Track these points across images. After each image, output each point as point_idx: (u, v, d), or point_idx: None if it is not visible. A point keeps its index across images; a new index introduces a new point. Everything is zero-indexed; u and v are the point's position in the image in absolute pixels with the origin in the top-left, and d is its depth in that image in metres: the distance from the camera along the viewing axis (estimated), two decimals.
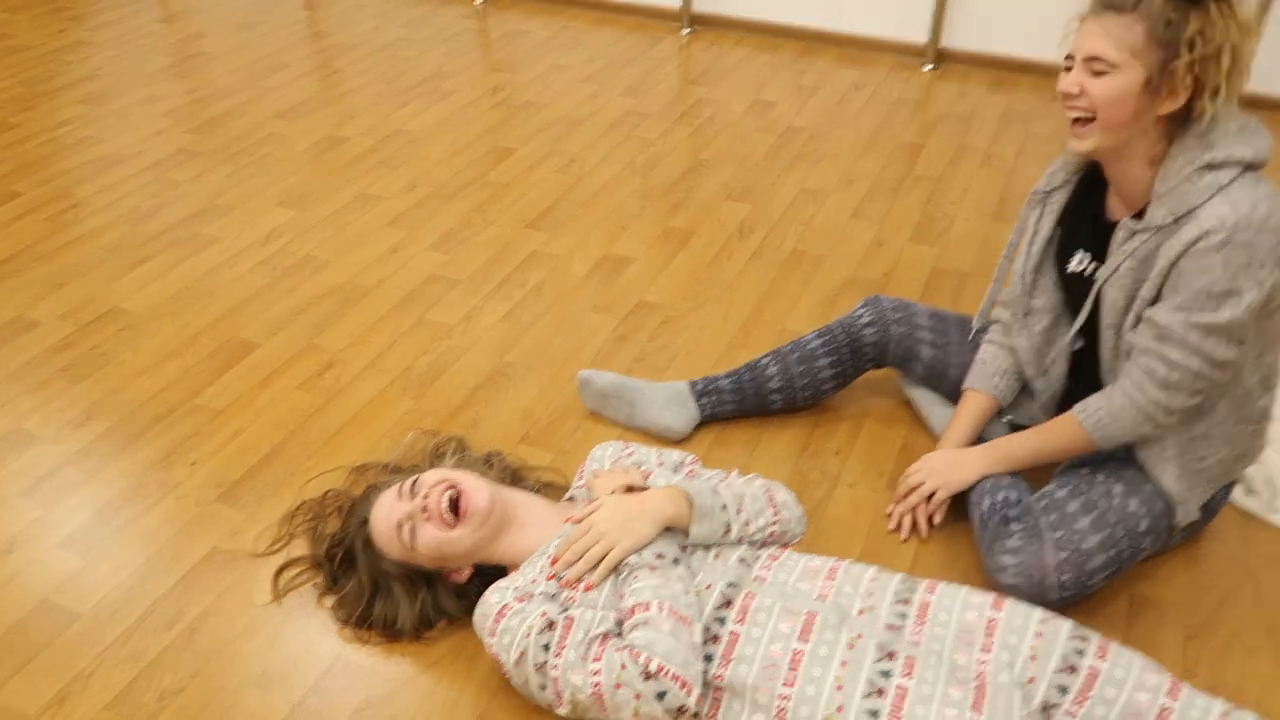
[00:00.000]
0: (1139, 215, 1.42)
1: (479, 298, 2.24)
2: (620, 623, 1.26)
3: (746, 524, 1.39)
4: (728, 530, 1.37)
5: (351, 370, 2.02)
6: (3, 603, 1.53)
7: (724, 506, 1.38)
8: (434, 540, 1.40)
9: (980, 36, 3.36)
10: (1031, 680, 1.20)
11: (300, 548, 1.61)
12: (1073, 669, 1.20)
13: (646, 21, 3.79)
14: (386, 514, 1.44)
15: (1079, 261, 1.54)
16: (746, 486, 1.45)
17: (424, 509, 1.40)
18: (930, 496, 1.62)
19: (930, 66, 3.40)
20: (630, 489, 1.41)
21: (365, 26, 3.78)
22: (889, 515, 1.67)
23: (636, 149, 2.88)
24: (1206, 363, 1.36)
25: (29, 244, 2.44)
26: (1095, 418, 1.47)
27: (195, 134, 2.98)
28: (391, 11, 3.92)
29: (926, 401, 1.85)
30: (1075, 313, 1.56)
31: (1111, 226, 1.45)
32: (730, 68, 3.41)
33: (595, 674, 1.20)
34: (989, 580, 1.49)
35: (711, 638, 1.25)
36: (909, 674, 1.18)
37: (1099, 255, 1.50)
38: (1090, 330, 1.53)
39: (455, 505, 1.41)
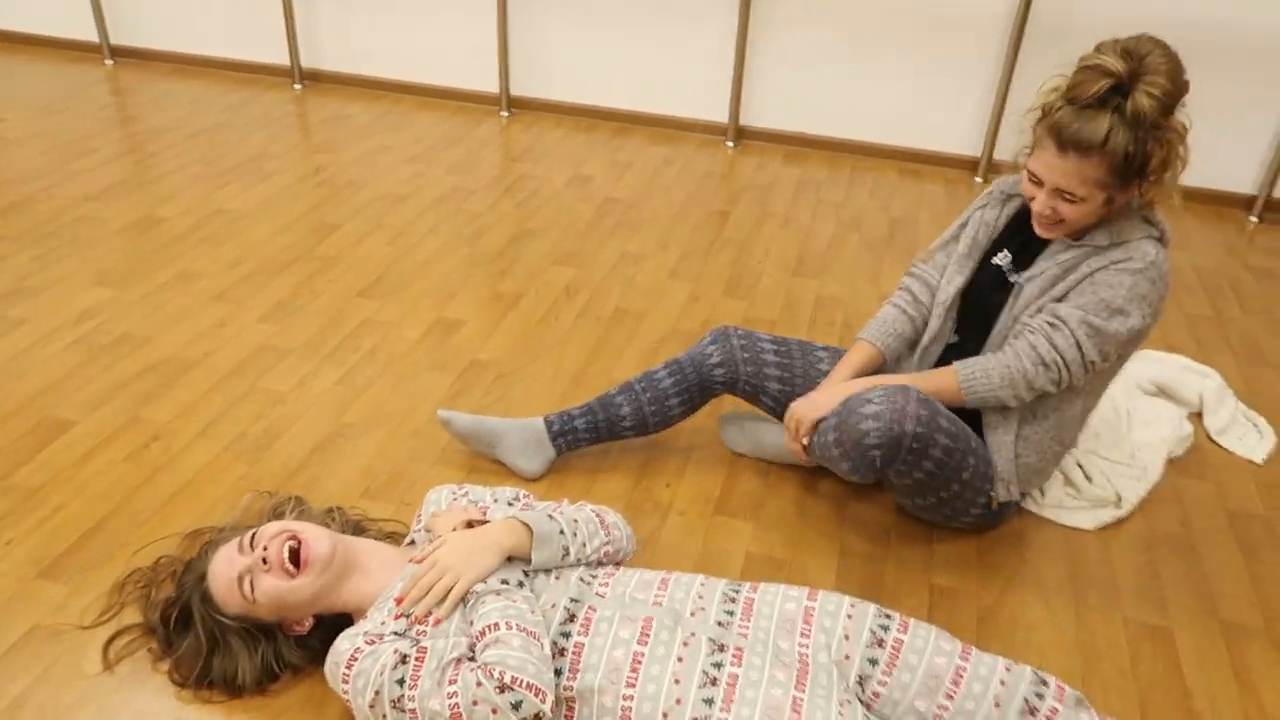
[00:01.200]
0: (1076, 236, 1.65)
1: (312, 363, 2.26)
2: (472, 648, 1.31)
3: (583, 546, 1.48)
4: (566, 553, 1.46)
5: (181, 440, 1.99)
6: None
7: (561, 531, 1.46)
8: (275, 591, 1.41)
9: (774, 115, 3.70)
10: (846, 657, 1.34)
11: (132, 615, 1.57)
12: (880, 642, 1.34)
13: (467, 105, 3.95)
14: (225, 568, 1.44)
15: (1003, 257, 1.73)
16: (578, 512, 1.54)
17: (264, 560, 1.41)
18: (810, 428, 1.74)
19: (732, 143, 3.72)
20: (470, 524, 1.48)
21: (179, 112, 3.75)
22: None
23: (464, 221, 2.99)
24: (1079, 357, 1.60)
25: None
26: (969, 370, 1.66)
27: None
28: (208, 98, 3.90)
29: (755, 433, 2.01)
30: (966, 302, 1.78)
31: (1037, 239, 1.68)
32: (550, 146, 3.60)
33: (452, 695, 1.24)
34: (845, 436, 1.62)
35: (559, 651, 1.32)
36: (738, 662, 1.29)
37: (1017, 257, 1.71)
38: (974, 324, 1.77)
39: (295, 556, 1.42)
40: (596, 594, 1.40)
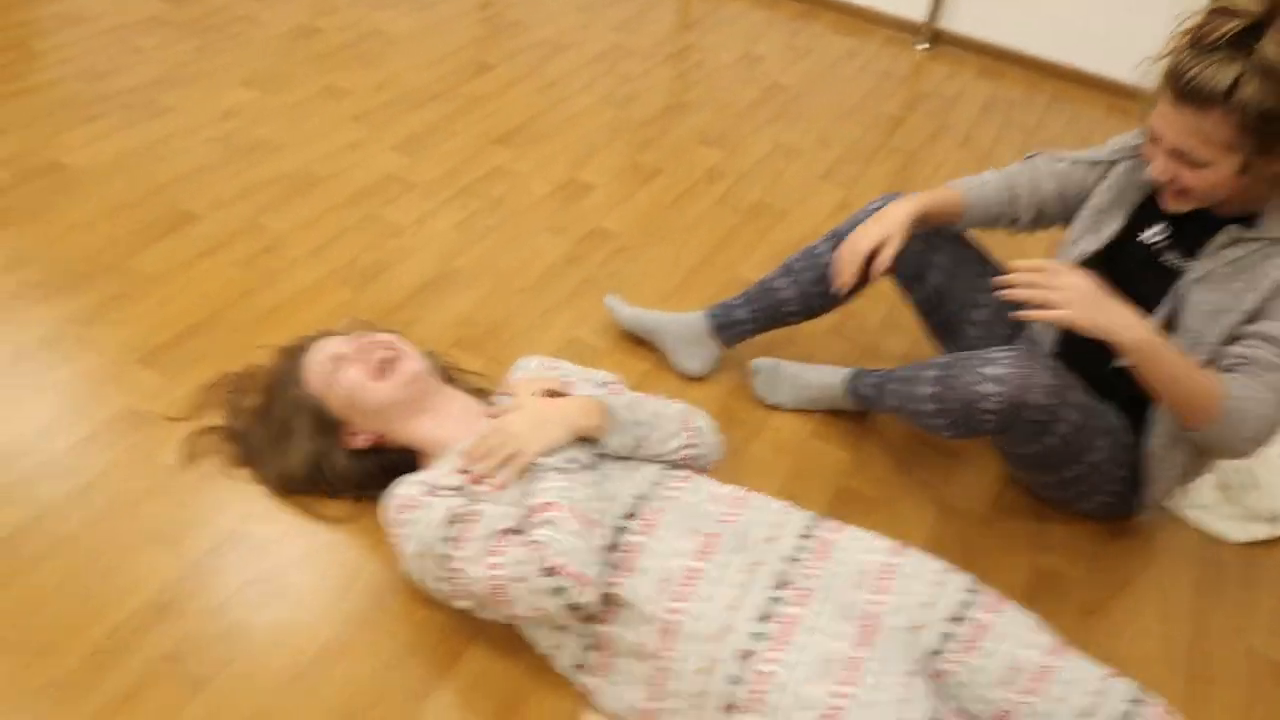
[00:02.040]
0: (1244, 221, 1.36)
1: (434, 203, 2.20)
2: (525, 520, 1.25)
3: (661, 442, 1.39)
4: (639, 444, 1.37)
5: (292, 254, 1.98)
6: None
7: (639, 422, 1.37)
8: (352, 384, 1.39)
9: (976, 23, 3.34)
10: (920, 627, 1.21)
11: (216, 417, 1.58)
12: (960, 619, 1.21)
13: None
14: (325, 349, 1.45)
15: (1157, 233, 1.45)
16: (665, 408, 1.44)
17: (359, 350, 1.41)
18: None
19: (924, 45, 3.39)
20: (551, 395, 1.40)
21: None
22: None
23: (617, 82, 2.84)
24: None
25: None
26: (1242, 394, 1.31)
27: (168, 3, 2.87)
28: None
29: (795, 377, 1.79)
30: (1113, 280, 1.49)
31: (1194, 219, 1.40)
32: (726, 19, 3.37)
33: (495, 567, 1.19)
34: (951, 395, 1.42)
35: (611, 546, 1.24)
36: (800, 604, 1.18)
37: (1179, 239, 1.42)
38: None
39: (387, 367, 1.41)
40: (666, 495, 1.30)
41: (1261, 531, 1.69)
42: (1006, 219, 1.62)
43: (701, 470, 1.47)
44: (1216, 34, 1.20)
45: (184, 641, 1.27)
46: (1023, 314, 1.29)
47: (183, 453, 1.52)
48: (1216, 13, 1.21)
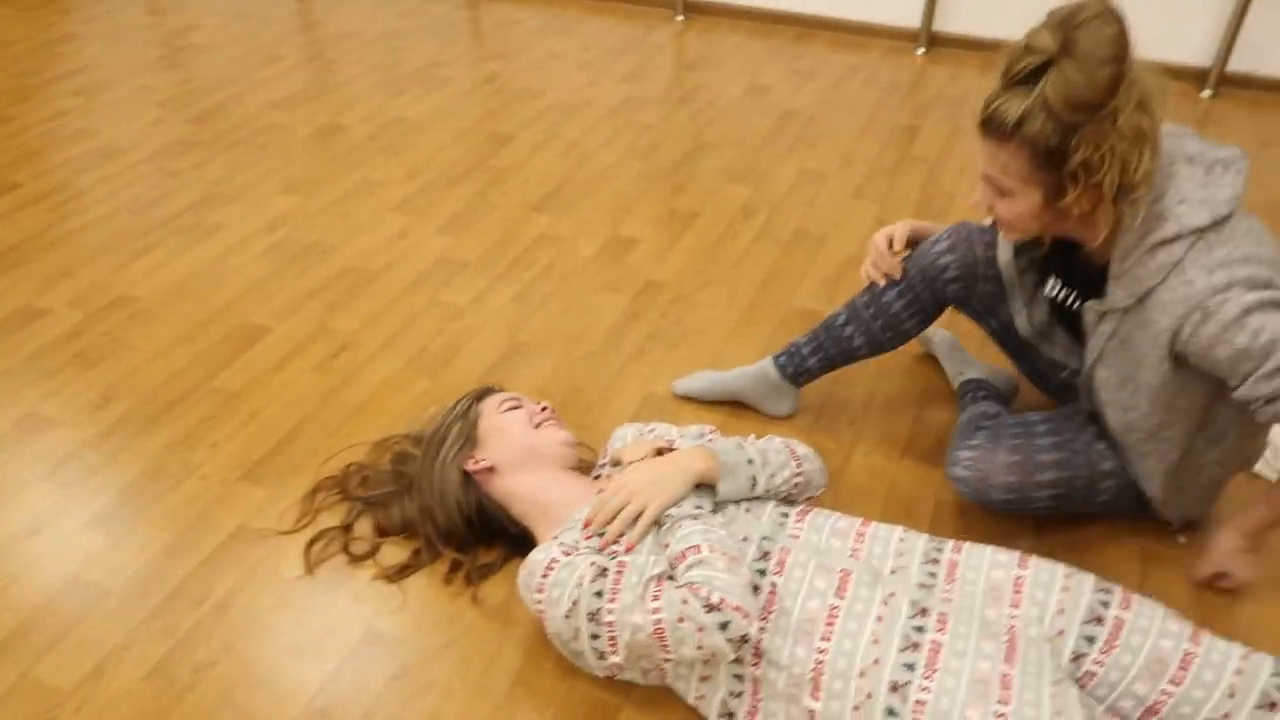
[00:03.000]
0: (1102, 287, 1.38)
1: (488, 279, 2.26)
2: (672, 568, 1.28)
3: (772, 476, 1.42)
4: (754, 482, 1.40)
5: (366, 351, 2.03)
6: (32, 582, 1.54)
7: (749, 461, 1.41)
8: (518, 420, 1.56)
9: (971, 20, 3.40)
10: (1061, 633, 1.23)
11: (327, 520, 1.63)
12: (1099, 620, 1.23)
13: (640, 9, 3.81)
14: (512, 393, 1.63)
15: (1052, 287, 1.53)
16: (768, 443, 1.48)
17: (541, 409, 1.59)
18: None
19: (923, 50, 3.44)
20: (659, 452, 1.44)
21: (358, 18, 3.78)
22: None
23: (637, 133, 2.90)
24: None
25: (33, 234, 2.43)
26: None
27: (193, 124, 2.97)
28: (384, 4, 3.91)
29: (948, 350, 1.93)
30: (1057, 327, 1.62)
31: (1086, 268, 1.43)
32: (726, 53, 3.44)
33: (655, 612, 1.21)
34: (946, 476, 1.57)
35: (753, 588, 1.27)
36: (942, 629, 1.21)
37: (1072, 284, 1.50)
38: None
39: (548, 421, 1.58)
40: (790, 535, 1.34)
41: None
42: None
43: (812, 498, 1.51)
44: (1016, 68, 1.21)
45: None
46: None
47: (304, 562, 1.57)
48: (1022, 48, 1.22)
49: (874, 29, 3.54)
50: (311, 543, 1.59)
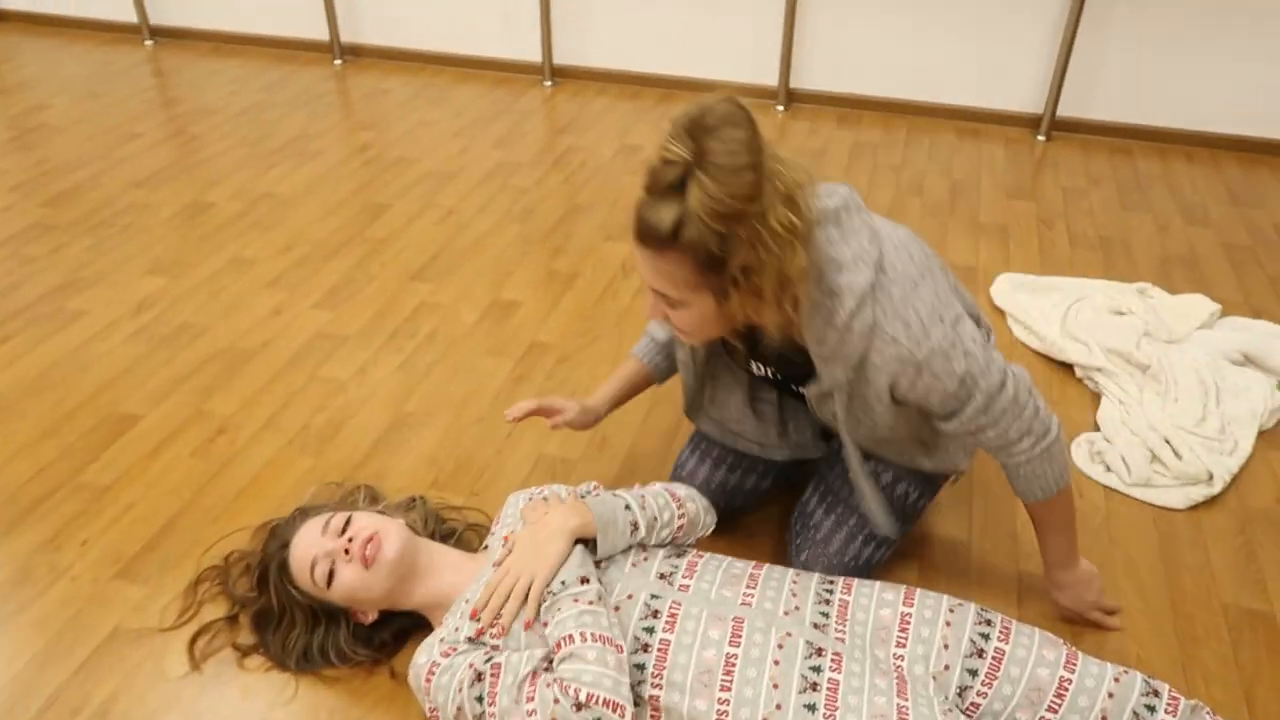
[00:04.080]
0: (811, 376, 1.40)
1: (370, 351, 2.23)
2: (549, 657, 1.28)
3: (653, 519, 1.43)
4: (635, 528, 1.40)
5: (245, 433, 1.98)
6: None
7: (626, 506, 1.41)
8: (351, 582, 1.41)
9: (825, 76, 3.59)
10: (946, 668, 1.28)
11: (210, 613, 1.57)
12: (980, 652, 1.29)
13: (509, 76, 3.88)
14: (306, 546, 1.45)
15: (759, 369, 1.54)
16: (646, 489, 1.50)
17: (344, 550, 1.41)
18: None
19: (782, 107, 3.61)
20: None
21: (220, 92, 3.71)
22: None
23: (512, 198, 2.94)
24: (1001, 395, 1.34)
25: None
26: (1035, 487, 1.43)
27: (48, 207, 2.85)
28: (248, 76, 3.86)
29: None
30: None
31: (777, 348, 1.42)
32: (595, 116, 3.53)
33: (531, 714, 1.21)
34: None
35: (642, 647, 1.28)
36: (837, 668, 1.24)
37: (771, 364, 1.50)
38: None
39: (373, 557, 1.41)
40: (680, 588, 1.35)
41: (1199, 494, 1.84)
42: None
43: (700, 539, 1.54)
44: (661, 181, 1.17)
45: None
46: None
47: (189, 658, 1.50)
48: (660, 162, 1.17)
49: (735, 88, 3.70)
50: (195, 637, 1.53)
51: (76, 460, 1.90)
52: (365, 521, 1.44)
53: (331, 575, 1.41)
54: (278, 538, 1.52)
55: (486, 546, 1.57)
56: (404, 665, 1.48)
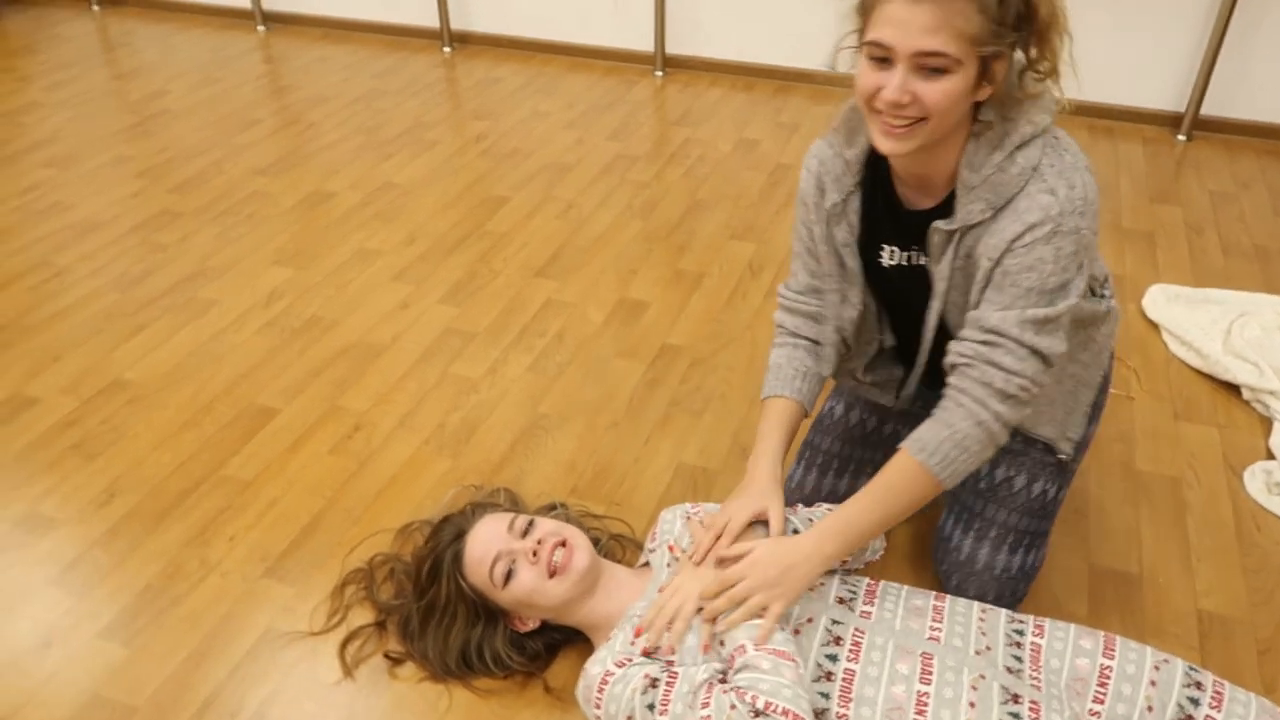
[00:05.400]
0: (941, 209, 1.27)
1: (500, 349, 2.20)
2: (724, 672, 1.23)
3: (864, 546, 1.39)
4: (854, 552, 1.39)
5: (380, 431, 1.96)
6: (49, 702, 1.43)
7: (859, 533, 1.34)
8: (529, 586, 1.37)
9: None
10: None
11: (359, 617, 1.55)
12: (1189, 719, 1.20)
13: (619, 65, 3.82)
14: (488, 540, 1.41)
15: (891, 255, 1.37)
16: (814, 512, 1.47)
17: (534, 552, 1.37)
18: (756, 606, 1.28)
19: None
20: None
21: (333, 79, 3.73)
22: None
23: (632, 192, 2.88)
24: (1041, 363, 1.23)
25: (14, 317, 2.32)
26: (941, 453, 1.25)
27: (174, 194, 2.89)
28: (358, 64, 3.87)
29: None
30: (889, 304, 1.46)
31: (912, 215, 1.31)
32: (709, 108, 3.45)
33: (706, 719, 1.17)
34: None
35: (825, 675, 1.23)
36: (1036, 716, 1.17)
37: (906, 244, 1.35)
38: (906, 325, 1.45)
39: (560, 566, 1.38)
40: (861, 614, 1.29)
41: None
42: (825, 356, 1.48)
43: (867, 570, 1.48)
44: None
45: None
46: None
47: (341, 664, 1.48)
48: None
49: (851, 80, 3.58)
50: (345, 642, 1.51)
51: (218, 453, 1.90)
52: (552, 527, 1.41)
53: (509, 575, 1.38)
54: (453, 527, 1.49)
55: (647, 564, 1.53)
56: (558, 680, 1.45)
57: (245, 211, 2.79)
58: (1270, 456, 1.89)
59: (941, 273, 1.30)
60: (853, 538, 1.29)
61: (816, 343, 1.50)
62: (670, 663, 1.27)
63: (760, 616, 1.24)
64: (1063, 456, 1.48)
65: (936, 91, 1.12)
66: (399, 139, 3.23)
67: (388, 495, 1.81)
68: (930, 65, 1.10)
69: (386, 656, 1.49)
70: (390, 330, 2.27)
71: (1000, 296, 1.23)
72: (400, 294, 2.41)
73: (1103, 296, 1.41)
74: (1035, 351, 1.22)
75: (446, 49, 3.98)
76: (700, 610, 1.28)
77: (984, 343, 1.24)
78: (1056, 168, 1.19)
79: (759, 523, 1.37)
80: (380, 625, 1.54)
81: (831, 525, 1.29)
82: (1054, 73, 1.18)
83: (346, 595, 1.60)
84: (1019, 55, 1.19)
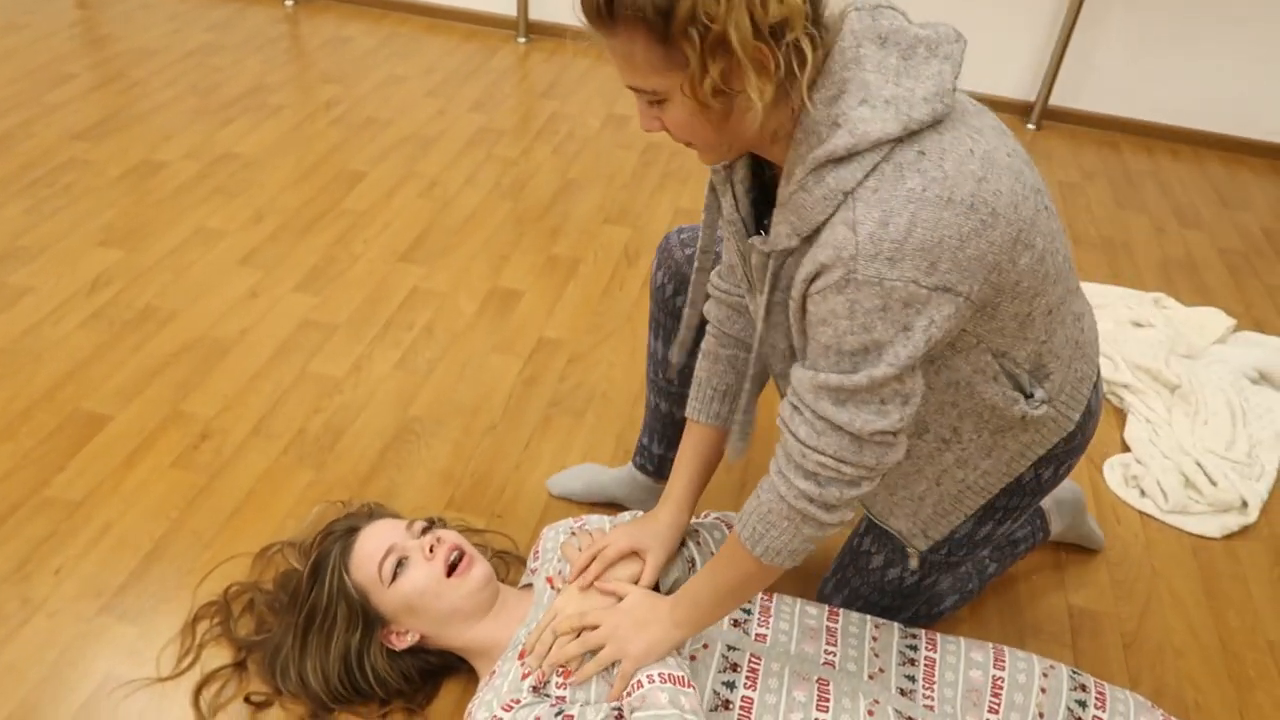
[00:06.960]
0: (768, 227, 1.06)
1: (364, 344, 2.04)
2: (619, 709, 1.17)
3: (711, 553, 1.37)
4: (693, 565, 1.35)
5: (232, 440, 1.78)
6: None
7: (691, 561, 1.35)
8: (419, 583, 1.28)
9: None
10: None
11: (213, 657, 1.40)
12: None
13: (480, 29, 3.63)
14: (381, 535, 1.32)
15: (764, 241, 1.06)
16: (702, 523, 1.44)
17: (430, 548, 1.31)
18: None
19: None
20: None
21: (159, 30, 3.37)
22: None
23: (500, 169, 2.74)
24: (849, 439, 0.99)
25: None
26: (750, 527, 1.09)
27: None
28: (189, 13, 3.52)
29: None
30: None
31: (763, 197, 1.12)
32: (576, 80, 3.33)
33: None
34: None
35: (723, 703, 1.20)
36: None
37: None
38: None
39: (453, 567, 1.31)
40: (756, 638, 1.26)
41: (1234, 522, 1.83)
42: (745, 361, 1.30)
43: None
44: None
45: None
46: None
47: (196, 713, 1.34)
48: None
49: None
50: (200, 688, 1.36)
51: (39, 471, 1.68)
52: (453, 538, 1.33)
53: (398, 572, 1.29)
54: (346, 523, 1.39)
55: (529, 585, 1.44)
56: (441, 718, 1.35)
57: (62, 182, 2.48)
58: (1124, 448, 1.99)
59: (759, 306, 1.09)
60: (700, 613, 1.18)
61: (743, 341, 1.29)
62: (561, 699, 1.20)
63: (611, 667, 1.19)
64: (910, 553, 1.29)
65: (670, 121, 0.96)
66: (239, 102, 2.96)
67: (243, 514, 1.64)
68: (648, 98, 0.95)
69: (248, 701, 1.35)
70: (238, 322, 2.07)
71: (808, 350, 1.02)
72: (248, 280, 2.20)
73: (1031, 396, 1.10)
74: (835, 426, 0.99)
75: (289, 2, 3.68)
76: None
77: (790, 404, 1.03)
78: (880, 194, 0.90)
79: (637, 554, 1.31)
80: (240, 665, 1.39)
81: (684, 593, 1.20)
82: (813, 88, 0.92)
83: (199, 633, 1.44)
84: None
